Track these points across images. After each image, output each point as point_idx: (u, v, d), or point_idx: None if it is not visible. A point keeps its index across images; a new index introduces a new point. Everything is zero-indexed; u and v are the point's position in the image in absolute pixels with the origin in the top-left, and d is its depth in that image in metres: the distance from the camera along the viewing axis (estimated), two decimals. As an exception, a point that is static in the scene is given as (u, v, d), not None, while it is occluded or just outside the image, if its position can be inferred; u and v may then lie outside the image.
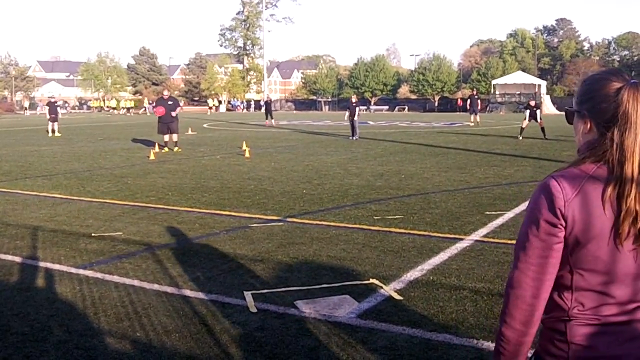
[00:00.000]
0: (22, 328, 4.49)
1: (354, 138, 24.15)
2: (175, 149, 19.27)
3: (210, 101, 78.31)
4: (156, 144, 19.76)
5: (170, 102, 20.07)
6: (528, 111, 24.00)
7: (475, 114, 35.67)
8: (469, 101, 37.55)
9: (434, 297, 5.06)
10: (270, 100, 42.90)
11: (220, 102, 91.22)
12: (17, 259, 6.42)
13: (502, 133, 27.66)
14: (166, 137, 19.59)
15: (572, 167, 1.72)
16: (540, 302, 1.73)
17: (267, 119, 37.41)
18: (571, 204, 1.66)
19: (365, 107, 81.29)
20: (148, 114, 64.59)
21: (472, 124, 35.14)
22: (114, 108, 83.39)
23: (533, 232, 1.74)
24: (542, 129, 23.29)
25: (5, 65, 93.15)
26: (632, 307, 1.71)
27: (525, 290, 1.73)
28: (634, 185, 1.63)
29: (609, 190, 1.64)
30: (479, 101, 37.43)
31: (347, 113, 25.59)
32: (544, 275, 1.72)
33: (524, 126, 23.69)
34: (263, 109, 40.40)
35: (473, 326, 4.44)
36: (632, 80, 1.70)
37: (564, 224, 1.68)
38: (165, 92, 21.30)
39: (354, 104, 25.12)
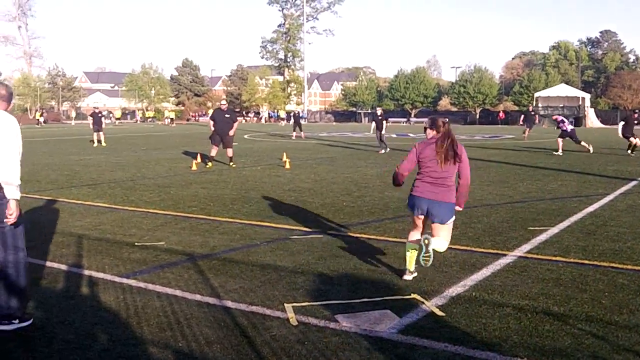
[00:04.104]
0: (67, 335, 4.56)
1: (384, 151, 23.79)
2: (231, 164, 17.80)
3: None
4: (198, 154, 19.84)
5: (227, 115, 18.11)
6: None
7: (529, 129, 34.63)
8: (523, 116, 36.53)
9: (476, 314, 4.99)
10: (299, 112, 42.59)
11: (258, 113, 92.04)
12: (63, 267, 6.54)
13: (545, 146, 27.25)
14: (213, 152, 17.95)
15: (425, 140, 6.00)
16: (404, 174, 6.12)
17: (294, 130, 36.88)
18: (418, 148, 5.96)
19: (405, 120, 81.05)
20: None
21: (526, 139, 33.53)
22: (153, 117, 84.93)
23: (408, 156, 6.02)
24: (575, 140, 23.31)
25: (53, 76, 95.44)
26: (438, 181, 5.85)
27: (400, 169, 6.10)
28: (440, 143, 5.83)
29: (437, 144, 5.84)
30: (536, 116, 36.34)
31: (373, 126, 24.91)
32: (409, 166, 6.07)
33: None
34: (291, 121, 40.11)
35: (517, 344, 4.36)
36: (431, 116, 6.36)
37: (416, 153, 5.97)
38: (223, 102, 19.07)
39: (380, 117, 24.63)
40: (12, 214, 4.69)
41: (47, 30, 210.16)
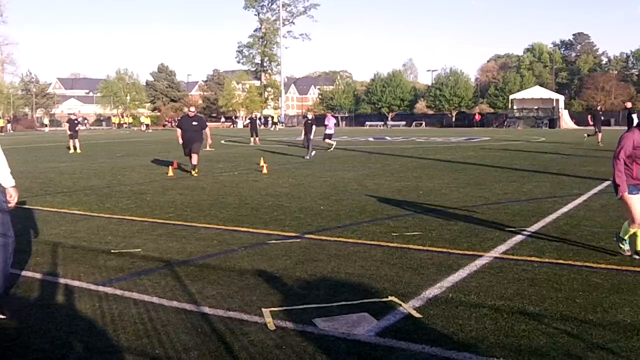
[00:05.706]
0: (43, 345, 4.51)
1: (308, 157, 22.91)
2: (193, 172, 16.94)
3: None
4: (175, 161, 19.74)
5: (194, 123, 17.41)
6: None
7: (599, 132, 30.28)
8: (591, 116, 32.53)
9: (453, 315, 5.03)
10: (256, 117, 40.83)
11: (236, 117, 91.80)
12: (38, 276, 6.46)
13: (520, 148, 27.52)
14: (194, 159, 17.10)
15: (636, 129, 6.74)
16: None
17: (252, 136, 35.20)
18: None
19: (382, 123, 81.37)
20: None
21: (601, 143, 28.80)
22: (130, 124, 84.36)
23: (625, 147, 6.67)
24: None
25: (26, 83, 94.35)
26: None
27: (619, 162, 6.62)
28: None
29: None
30: (602, 117, 31.87)
31: (303, 132, 24.55)
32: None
33: None
34: (249, 126, 37.35)
35: (493, 345, 4.40)
36: None
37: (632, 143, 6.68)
38: (192, 109, 18.43)
39: (310, 122, 24.58)
40: (13, 198, 5.26)
41: (20, 36, 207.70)
